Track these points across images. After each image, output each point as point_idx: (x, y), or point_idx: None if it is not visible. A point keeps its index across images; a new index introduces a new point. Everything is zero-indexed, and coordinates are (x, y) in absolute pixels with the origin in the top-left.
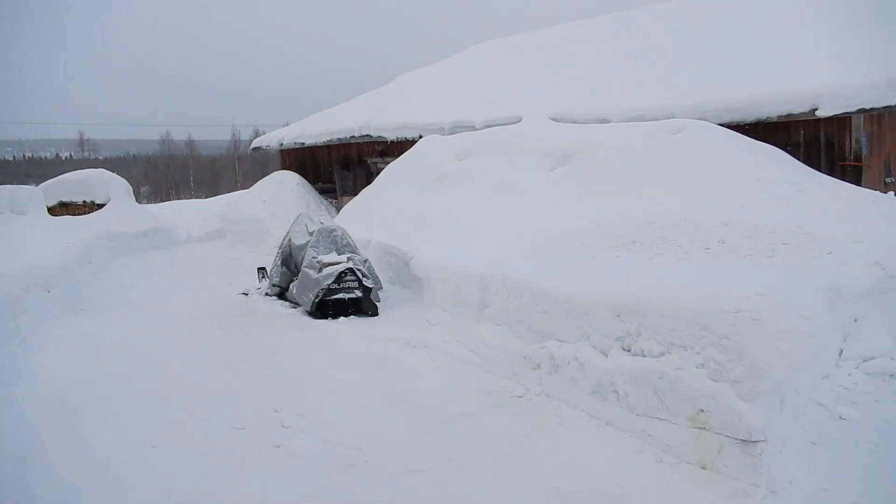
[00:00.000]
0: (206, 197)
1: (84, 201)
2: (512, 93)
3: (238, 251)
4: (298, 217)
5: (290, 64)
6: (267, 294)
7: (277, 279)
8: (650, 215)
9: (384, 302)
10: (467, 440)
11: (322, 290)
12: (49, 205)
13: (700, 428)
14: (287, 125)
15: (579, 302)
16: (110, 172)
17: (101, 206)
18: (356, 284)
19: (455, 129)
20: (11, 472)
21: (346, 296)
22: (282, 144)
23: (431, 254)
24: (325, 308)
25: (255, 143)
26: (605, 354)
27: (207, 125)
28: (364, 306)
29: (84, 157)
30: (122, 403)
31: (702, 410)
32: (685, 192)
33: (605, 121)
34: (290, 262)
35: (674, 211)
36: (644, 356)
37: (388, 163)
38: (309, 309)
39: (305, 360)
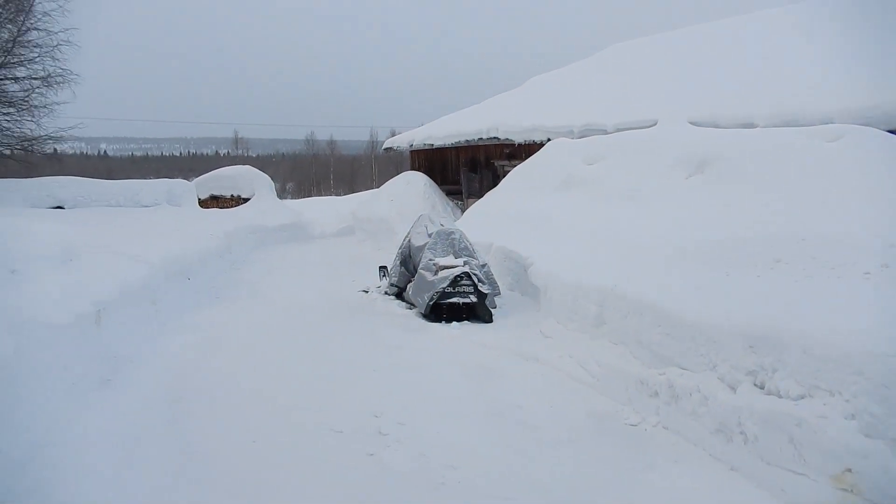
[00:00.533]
0: (344, 194)
1: (231, 195)
2: (648, 95)
3: (366, 248)
4: (419, 218)
5: (428, 67)
6: (386, 293)
7: (396, 279)
8: (798, 232)
9: (500, 308)
10: (570, 468)
11: (436, 293)
12: (202, 197)
13: (845, 490)
14: (422, 126)
15: (707, 327)
16: (255, 169)
17: (246, 200)
18: (471, 289)
19: (585, 133)
20: (117, 457)
21: (461, 300)
22: (412, 145)
23: (550, 262)
24: (439, 311)
25: (387, 144)
26: (734, 389)
27: (348, 126)
28: (478, 312)
29: (238, 155)
30: (232, 397)
31: (849, 470)
32: (844, 207)
33: (750, 125)
34: (408, 263)
35: (828, 228)
36: (780, 397)
37: (515, 165)
38: (423, 311)
39: (413, 363)
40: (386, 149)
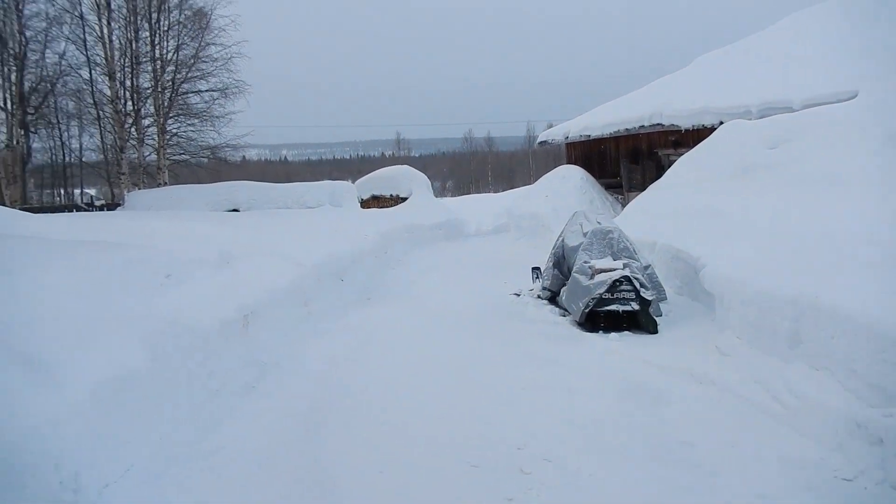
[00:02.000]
0: (502, 191)
1: (391, 195)
2: (844, 64)
3: (520, 246)
4: (573, 216)
5: (588, 55)
6: (538, 297)
7: (548, 282)
8: None
9: (667, 317)
10: None
11: (592, 299)
12: (363, 198)
13: None
14: (578, 117)
15: None
16: (412, 169)
17: (404, 199)
18: (632, 295)
19: (766, 113)
20: (249, 471)
21: (620, 308)
22: (567, 137)
23: (727, 264)
24: (596, 320)
25: (541, 138)
26: None
27: (505, 122)
28: (641, 321)
29: (401, 155)
30: (367, 412)
31: None
32: None
33: None
34: (562, 265)
35: None
36: None
37: (682, 154)
38: (577, 319)
39: (564, 382)
40: (540, 143)
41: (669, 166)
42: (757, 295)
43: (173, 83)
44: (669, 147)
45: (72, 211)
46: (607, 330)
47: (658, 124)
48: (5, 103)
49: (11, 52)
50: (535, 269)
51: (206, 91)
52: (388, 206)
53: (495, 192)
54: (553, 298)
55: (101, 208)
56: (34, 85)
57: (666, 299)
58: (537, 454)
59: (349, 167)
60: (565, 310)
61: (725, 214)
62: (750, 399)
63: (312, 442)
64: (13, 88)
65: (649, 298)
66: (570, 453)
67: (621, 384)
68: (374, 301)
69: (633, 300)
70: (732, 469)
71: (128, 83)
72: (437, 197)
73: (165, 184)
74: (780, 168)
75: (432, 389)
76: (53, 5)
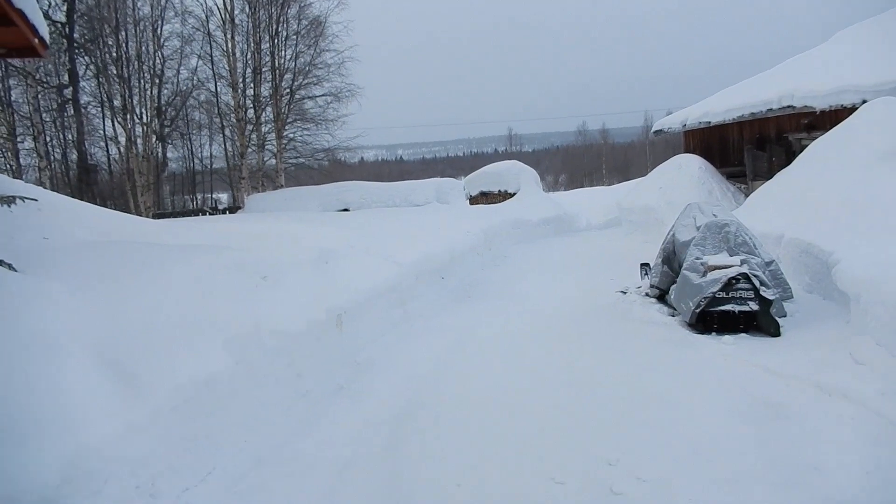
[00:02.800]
0: (618, 183)
1: (498, 191)
2: None
3: (632, 241)
4: (686, 208)
5: (706, 40)
6: (647, 294)
7: (657, 279)
8: None
9: (792, 318)
10: None
11: (704, 298)
12: (472, 194)
13: None
14: (698, 103)
15: None
16: (520, 164)
17: (512, 195)
18: (751, 294)
19: None
20: (323, 483)
21: (736, 308)
22: (685, 125)
23: (867, 260)
24: (709, 321)
25: (657, 126)
26: None
27: (621, 112)
28: (760, 323)
29: (513, 151)
30: (454, 419)
31: None
32: None
33: None
34: (672, 262)
35: None
36: None
37: (816, 138)
38: (687, 320)
39: (669, 392)
40: (655, 132)
41: (801, 151)
42: None
43: (291, 90)
44: (802, 131)
45: (198, 215)
46: (721, 332)
47: (789, 106)
48: (141, 117)
49: (150, 70)
50: (644, 266)
51: (321, 96)
52: (496, 203)
53: (610, 185)
54: (662, 297)
55: (223, 211)
56: (169, 99)
57: (792, 298)
58: (630, 472)
59: (462, 164)
60: (675, 309)
61: (866, 205)
62: (890, 417)
63: (395, 451)
64: (150, 103)
65: (770, 298)
66: (670, 475)
67: (734, 395)
68: (474, 299)
69: (751, 300)
70: (867, 498)
71: (249, 92)
72: (548, 192)
73: (282, 186)
74: None
75: (524, 396)
76: (185, 25)
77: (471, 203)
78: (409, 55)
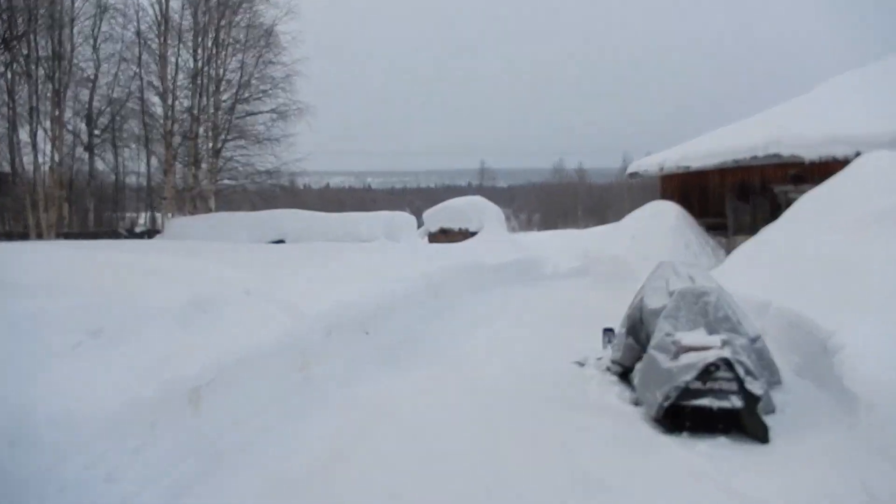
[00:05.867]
0: (594, 226)
1: (459, 228)
2: None
3: (599, 295)
4: (659, 267)
5: (686, 81)
6: (607, 369)
7: (620, 353)
8: None
9: (783, 413)
10: None
11: (675, 388)
12: (432, 230)
13: None
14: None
15: None
16: (485, 200)
17: (473, 233)
18: (733, 387)
19: None
20: None
21: (715, 403)
22: (662, 168)
23: (875, 348)
24: (679, 418)
25: (632, 168)
26: None
27: (599, 151)
28: (744, 423)
29: (487, 186)
30: None
31: None
32: None
33: None
34: (638, 332)
35: None
36: None
37: (804, 191)
38: (653, 414)
39: None
40: (630, 174)
41: (788, 206)
42: None
43: (234, 104)
44: (788, 182)
45: (110, 238)
46: (694, 431)
47: (775, 154)
48: (64, 123)
49: (84, 74)
50: (608, 332)
51: (267, 112)
52: (456, 241)
53: (585, 227)
54: (626, 374)
55: (140, 235)
56: (102, 108)
57: (780, 383)
58: None
59: (434, 196)
60: (640, 395)
61: (862, 272)
62: None
63: None
64: (75, 109)
65: (757, 393)
66: None
67: None
68: (403, 362)
69: (733, 393)
70: None
71: (186, 103)
72: (520, 231)
73: (211, 210)
74: None
75: None
76: (112, 24)
77: (430, 240)
78: (382, 78)
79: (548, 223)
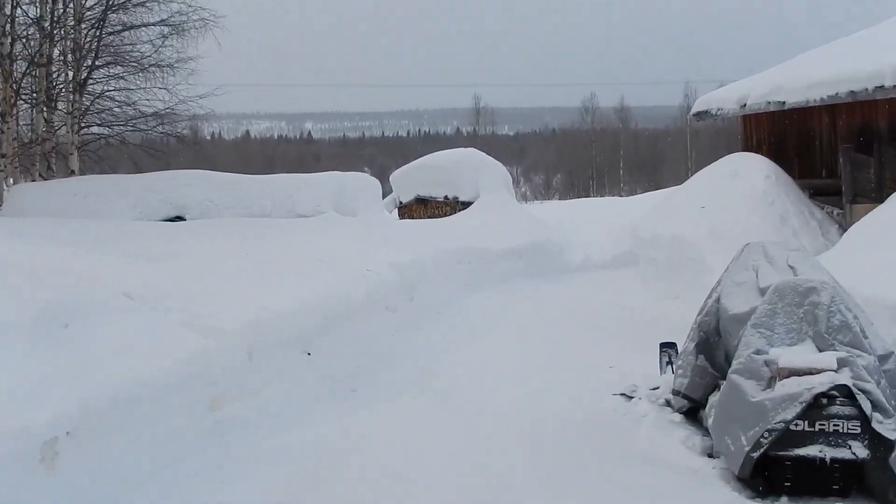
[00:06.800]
0: (642, 192)
1: (445, 197)
2: None
3: (654, 294)
4: (744, 251)
5: None
6: (667, 403)
7: (686, 380)
8: None
9: None
10: None
11: (769, 431)
12: (404, 200)
13: None
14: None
15: None
16: (481, 154)
17: (466, 204)
18: (855, 427)
19: None
20: None
21: (829, 453)
22: (744, 106)
23: None
24: (776, 474)
25: (700, 106)
26: None
27: (650, 83)
28: (873, 482)
29: (481, 134)
30: None
31: None
32: None
33: None
34: (713, 349)
35: None
36: None
37: None
38: (736, 470)
39: None
40: (696, 115)
41: None
42: None
43: (104, 13)
44: None
45: None
46: (797, 493)
47: None
48: None
49: None
50: (667, 349)
51: (155, 25)
52: (441, 215)
53: (629, 195)
54: (695, 411)
55: None
56: None
57: None
58: None
59: (405, 149)
60: (716, 442)
61: None
62: None
63: None
64: None
65: (891, 437)
66: None
67: None
68: (360, 397)
69: (855, 437)
70: None
71: (31, 12)
72: (537, 200)
73: (74, 173)
74: None
75: None
76: None
77: (401, 214)
78: None
79: (574, 188)
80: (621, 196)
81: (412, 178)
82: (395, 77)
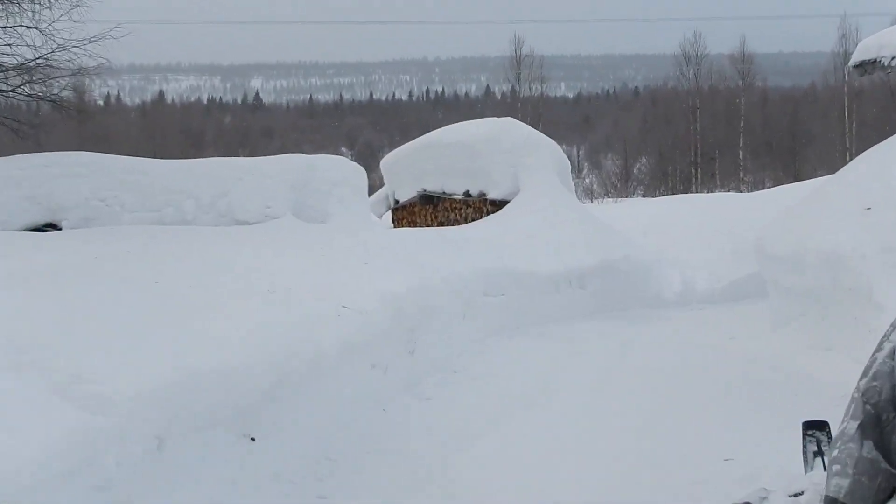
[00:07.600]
0: (777, 183)
1: (466, 193)
2: None
3: (792, 342)
4: None
5: None
6: None
7: (846, 480)
8: None
9: None
10: None
11: None
12: (402, 197)
13: None
14: None
15: None
16: (523, 127)
17: (499, 205)
18: None
19: None
20: None
21: None
22: None
23: None
24: None
25: (860, 55)
26: None
27: (781, 17)
28: None
29: (526, 95)
30: None
31: None
32: None
33: None
34: (887, 433)
35: None
36: None
37: None
38: None
39: None
40: (858, 66)
41: None
42: None
43: None
44: None
45: None
46: None
47: None
48: None
49: None
50: (816, 431)
51: None
52: (459, 221)
53: (751, 190)
54: None
55: None
56: None
57: None
58: None
59: (408, 119)
60: None
61: None
62: None
63: None
64: None
65: None
66: None
67: None
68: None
69: None
70: None
71: None
72: (608, 199)
73: None
74: None
75: None
76: None
77: (396, 219)
78: None
79: (668, 180)
80: (740, 191)
81: (415, 165)
82: (392, 10)
